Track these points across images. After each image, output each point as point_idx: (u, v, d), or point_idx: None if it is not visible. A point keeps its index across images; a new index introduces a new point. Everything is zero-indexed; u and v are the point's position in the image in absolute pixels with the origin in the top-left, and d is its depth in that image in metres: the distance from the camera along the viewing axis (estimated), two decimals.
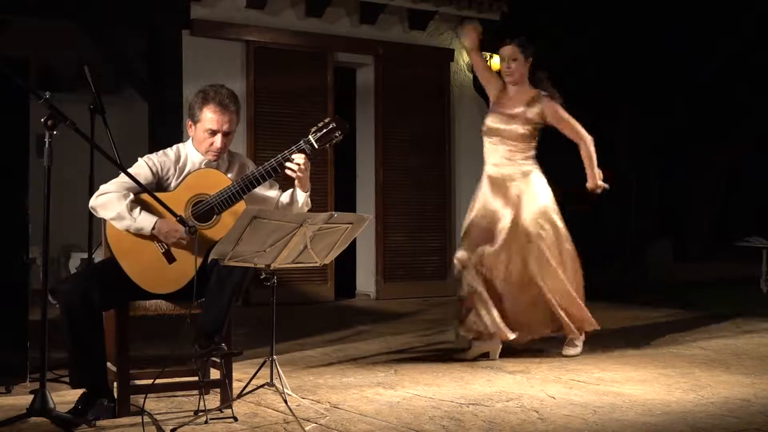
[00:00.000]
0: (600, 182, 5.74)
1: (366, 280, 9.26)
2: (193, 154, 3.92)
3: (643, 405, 3.95)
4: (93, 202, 3.79)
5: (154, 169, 3.85)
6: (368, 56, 9.20)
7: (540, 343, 5.60)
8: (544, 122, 5.58)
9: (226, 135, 3.89)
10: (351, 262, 9.22)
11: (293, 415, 3.54)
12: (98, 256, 4.43)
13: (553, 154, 6.01)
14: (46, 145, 3.45)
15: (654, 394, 4.19)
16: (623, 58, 13.55)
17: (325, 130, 3.87)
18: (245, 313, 6.94)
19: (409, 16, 9.39)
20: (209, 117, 3.86)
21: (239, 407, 3.80)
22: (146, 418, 3.49)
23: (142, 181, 3.67)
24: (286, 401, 3.56)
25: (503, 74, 5.61)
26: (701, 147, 14.40)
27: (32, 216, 4.16)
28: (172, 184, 3.87)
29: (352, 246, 8.40)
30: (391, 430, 3.53)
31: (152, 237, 3.70)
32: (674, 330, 6.52)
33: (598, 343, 5.87)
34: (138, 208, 3.71)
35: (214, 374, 3.97)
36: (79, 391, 3.70)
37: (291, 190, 3.99)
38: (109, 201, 3.71)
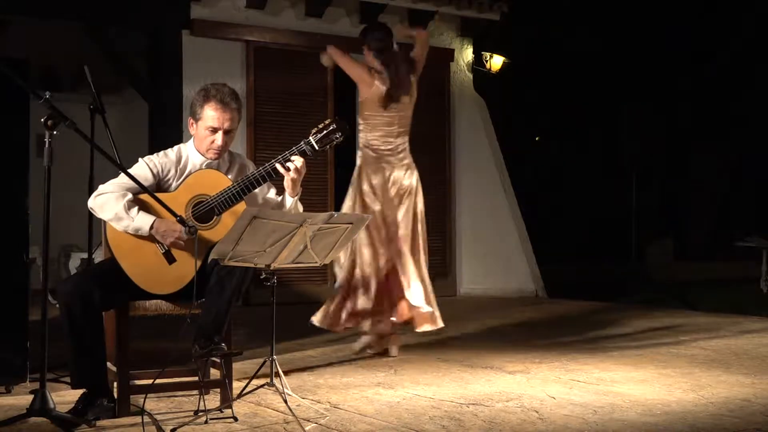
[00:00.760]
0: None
1: None
2: (194, 155, 3.92)
3: (643, 405, 3.95)
4: (91, 202, 3.79)
5: (154, 170, 3.84)
6: None
7: (540, 342, 5.61)
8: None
9: (227, 133, 3.89)
10: None
11: (293, 415, 3.54)
12: (98, 256, 4.43)
13: None
14: (46, 145, 3.45)
15: (654, 394, 4.19)
16: (625, 58, 13.56)
17: (325, 132, 3.86)
18: (245, 313, 6.94)
19: (409, 16, 9.39)
20: (210, 114, 3.86)
21: (239, 407, 3.80)
22: (146, 418, 3.49)
23: (141, 181, 3.67)
24: (286, 401, 3.56)
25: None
26: (702, 147, 14.41)
27: (32, 216, 4.16)
28: (173, 185, 3.87)
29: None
30: (391, 430, 3.53)
31: (151, 237, 3.70)
32: (674, 330, 6.53)
33: (599, 343, 5.88)
34: (135, 208, 3.71)
35: (214, 374, 3.97)
36: (79, 391, 3.70)
37: (282, 195, 3.99)
38: (107, 201, 3.71)
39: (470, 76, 9.91)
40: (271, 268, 3.58)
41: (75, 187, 5.26)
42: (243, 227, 3.32)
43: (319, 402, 4.01)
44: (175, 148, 3.97)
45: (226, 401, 3.76)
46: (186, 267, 3.69)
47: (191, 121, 3.93)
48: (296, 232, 3.44)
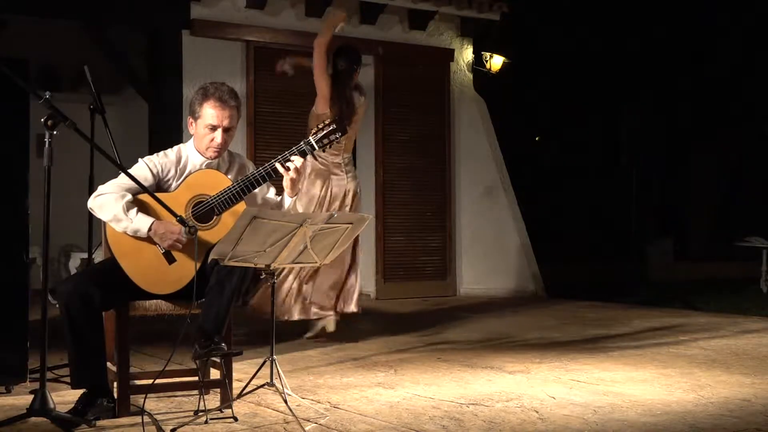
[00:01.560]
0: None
1: (366, 280, 9.24)
2: (194, 156, 3.93)
3: (643, 405, 3.95)
4: (91, 203, 3.79)
5: (154, 171, 3.84)
6: (368, 56, 9.19)
7: (540, 342, 5.62)
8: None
9: (226, 131, 3.89)
10: None
11: (293, 415, 3.54)
12: (98, 256, 4.43)
13: None
14: (46, 145, 3.45)
15: (654, 394, 4.19)
16: (625, 58, 13.56)
17: (325, 132, 3.87)
18: (245, 313, 6.94)
19: (409, 16, 9.38)
20: (209, 112, 3.86)
21: (239, 407, 3.80)
22: (146, 418, 3.49)
23: (141, 182, 3.67)
24: (286, 401, 3.56)
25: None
26: (702, 147, 14.41)
27: (32, 216, 4.16)
28: (173, 185, 3.87)
29: None
30: (391, 430, 3.53)
31: (150, 238, 3.70)
32: (674, 330, 6.53)
33: (599, 343, 5.88)
34: (134, 209, 3.70)
35: (214, 374, 3.97)
36: (79, 391, 3.70)
37: (280, 196, 3.99)
38: (106, 202, 3.71)
39: (470, 76, 9.91)
40: (271, 268, 3.58)
41: (75, 187, 5.26)
42: (243, 227, 3.32)
43: (319, 402, 4.01)
44: (175, 148, 3.97)
45: (226, 401, 3.76)
46: (186, 267, 3.69)
47: (190, 120, 3.93)
48: (296, 232, 3.44)
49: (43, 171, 3.47)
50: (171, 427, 3.46)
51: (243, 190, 3.77)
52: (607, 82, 13.52)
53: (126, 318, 3.75)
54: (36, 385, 3.59)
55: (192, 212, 3.76)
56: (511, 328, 6.74)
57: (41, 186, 3.49)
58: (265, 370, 3.70)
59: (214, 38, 8.31)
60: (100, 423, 3.55)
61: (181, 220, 3.51)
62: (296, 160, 3.81)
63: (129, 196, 3.73)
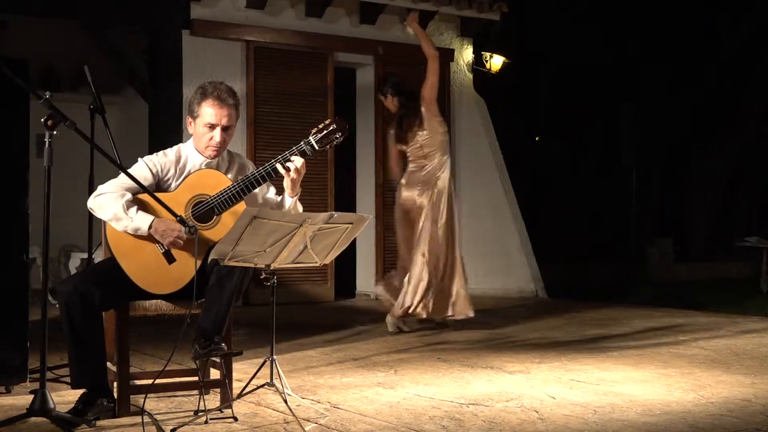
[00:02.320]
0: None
1: (366, 280, 9.26)
2: (193, 155, 3.92)
3: (643, 405, 3.95)
4: (91, 202, 3.79)
5: (153, 170, 3.84)
6: (368, 56, 9.20)
7: (540, 342, 5.62)
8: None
9: (225, 130, 3.89)
10: (351, 262, 9.22)
11: (293, 415, 3.54)
12: (98, 256, 4.43)
13: None
14: (46, 145, 3.45)
15: (654, 394, 4.19)
16: (625, 57, 13.56)
17: (325, 132, 3.86)
18: (245, 313, 6.94)
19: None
20: (208, 111, 3.86)
21: (239, 407, 3.80)
22: (146, 418, 3.49)
23: (141, 182, 3.67)
24: (286, 401, 3.56)
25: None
26: (702, 146, 14.41)
27: (32, 216, 4.16)
28: (173, 185, 3.87)
29: (352, 246, 8.41)
30: (391, 430, 3.53)
31: (151, 237, 3.70)
32: (674, 330, 6.53)
33: (599, 343, 5.88)
34: (134, 208, 3.70)
35: (214, 374, 3.97)
36: (79, 391, 3.70)
37: (281, 196, 3.99)
38: (106, 201, 3.71)
39: (470, 76, 9.91)
40: (271, 268, 3.58)
41: (75, 187, 5.26)
42: (243, 227, 3.32)
43: (319, 402, 4.01)
44: (175, 147, 3.97)
45: (226, 401, 3.76)
46: (186, 267, 3.68)
47: (189, 119, 3.93)
48: (296, 232, 3.44)
49: (43, 171, 3.47)
50: (171, 427, 3.46)
51: (243, 190, 3.77)
52: (608, 82, 13.52)
53: (126, 318, 3.75)
54: (36, 385, 3.59)
55: (192, 212, 3.75)
56: (511, 328, 6.74)
57: (41, 186, 3.49)
58: (265, 370, 3.70)
59: (214, 38, 8.32)
60: (100, 423, 3.56)
61: (181, 220, 3.51)
62: (296, 161, 3.81)
63: (129, 195, 3.73)
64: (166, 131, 7.99)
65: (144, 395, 3.64)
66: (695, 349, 5.63)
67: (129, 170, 3.71)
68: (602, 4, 12.97)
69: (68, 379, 3.88)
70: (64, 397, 3.89)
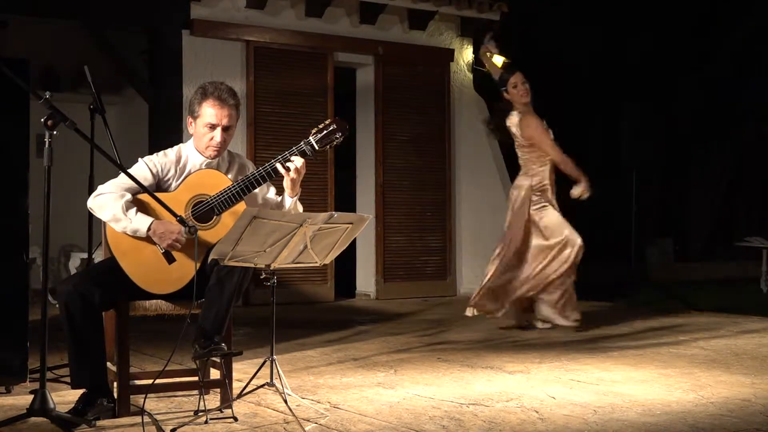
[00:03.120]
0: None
1: (366, 280, 9.26)
2: (193, 155, 3.92)
3: (643, 405, 3.95)
4: (90, 202, 3.79)
5: (153, 170, 3.84)
6: (368, 56, 9.21)
7: (540, 342, 5.62)
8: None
9: (225, 130, 3.89)
10: (351, 262, 9.22)
11: (293, 415, 3.54)
12: (98, 256, 4.43)
13: None
14: (46, 145, 3.45)
15: (654, 394, 4.19)
16: (625, 57, 13.55)
17: (325, 132, 3.86)
18: (245, 313, 6.94)
19: (409, 16, 9.39)
20: (208, 111, 3.86)
21: (239, 407, 3.80)
22: (146, 418, 3.49)
23: (141, 182, 3.67)
24: (286, 401, 3.56)
25: (525, 95, 6.92)
26: (702, 146, 14.39)
27: (32, 216, 4.16)
28: (173, 185, 3.87)
29: (352, 246, 8.41)
30: (391, 430, 3.53)
31: (150, 238, 3.70)
32: (674, 330, 6.53)
33: (599, 343, 5.88)
34: (134, 209, 3.70)
35: (214, 374, 3.97)
36: (79, 391, 3.70)
37: (281, 196, 3.99)
38: (106, 202, 3.71)
39: (470, 76, 9.91)
40: (271, 268, 3.58)
41: (75, 187, 5.27)
42: (243, 227, 3.32)
43: (319, 402, 4.01)
44: (175, 148, 3.97)
45: (226, 401, 3.76)
46: (186, 267, 3.68)
47: (190, 119, 3.93)
48: (296, 232, 3.44)
49: (43, 171, 3.47)
50: (171, 427, 3.46)
51: (243, 190, 3.77)
52: (608, 82, 13.51)
53: (126, 318, 3.75)
54: (36, 385, 3.59)
55: (192, 212, 3.75)
56: (511, 328, 6.73)
57: (41, 186, 3.49)
58: (265, 370, 3.70)
59: (214, 38, 8.32)
60: (100, 423, 3.56)
61: (181, 220, 3.51)
62: (296, 161, 3.81)
63: (128, 196, 3.73)
64: (166, 131, 8.00)
65: (144, 395, 3.64)
66: (695, 349, 5.63)
67: (129, 170, 3.71)
68: (603, 4, 12.96)
69: (68, 379, 3.88)
70: (64, 397, 3.89)
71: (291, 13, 8.78)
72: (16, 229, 4.17)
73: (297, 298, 8.30)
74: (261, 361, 3.76)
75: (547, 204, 6.60)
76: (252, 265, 3.56)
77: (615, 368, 4.89)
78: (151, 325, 4.17)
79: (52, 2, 7.71)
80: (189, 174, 3.87)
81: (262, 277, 3.63)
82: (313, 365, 5.04)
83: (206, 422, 3.57)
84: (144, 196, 3.73)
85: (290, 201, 3.92)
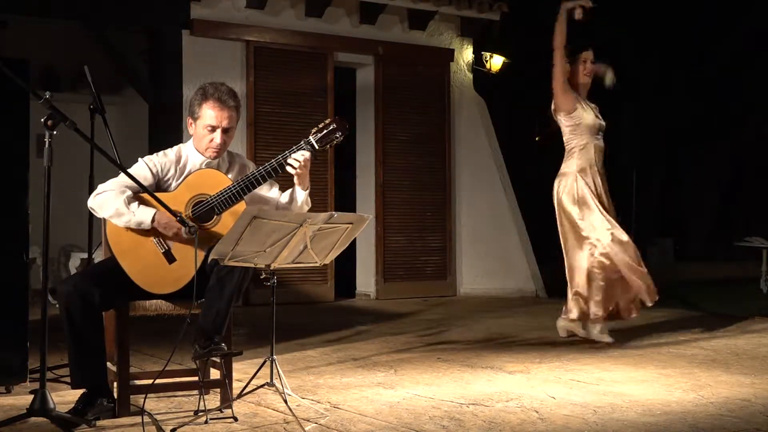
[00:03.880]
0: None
1: (366, 280, 9.26)
2: (193, 155, 3.92)
3: (643, 405, 3.95)
4: (91, 202, 3.79)
5: (153, 170, 3.84)
6: (368, 56, 9.21)
7: (540, 342, 5.62)
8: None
9: (225, 131, 3.89)
10: (351, 262, 9.22)
11: (293, 415, 3.54)
12: (98, 256, 4.43)
13: None
14: (46, 145, 3.45)
15: (654, 394, 4.19)
16: (624, 57, 13.54)
17: (325, 131, 3.86)
18: (245, 313, 6.94)
19: (409, 16, 9.39)
20: (209, 113, 3.86)
21: (239, 407, 3.80)
22: (146, 418, 3.49)
23: (141, 182, 3.67)
24: (286, 401, 3.56)
25: (586, 76, 6.57)
26: (702, 146, 14.40)
27: (32, 216, 4.16)
28: (173, 185, 3.87)
29: (352, 246, 8.41)
30: (391, 430, 3.53)
31: (153, 231, 3.70)
32: (674, 330, 6.52)
33: (598, 342, 5.87)
34: (136, 203, 3.71)
35: (214, 374, 3.97)
36: (79, 391, 3.70)
37: (290, 189, 3.98)
38: (107, 199, 3.71)
39: (470, 76, 9.91)
40: (271, 268, 3.58)
41: (75, 187, 5.27)
42: (243, 227, 3.32)
43: (319, 402, 4.01)
44: (175, 148, 3.97)
45: (226, 401, 3.76)
46: (186, 267, 3.68)
47: (190, 120, 3.93)
48: (296, 232, 3.44)
49: (43, 171, 3.47)
50: (171, 427, 3.46)
51: (243, 189, 3.77)
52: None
53: (126, 318, 3.75)
54: (36, 385, 3.59)
55: (192, 212, 3.76)
56: (511, 328, 6.74)
57: (41, 186, 3.49)
58: (265, 370, 3.70)
59: (214, 38, 8.32)
60: (100, 423, 3.55)
61: (181, 220, 3.51)
62: (299, 156, 3.80)
63: (129, 192, 3.73)
64: (166, 131, 8.00)
65: (144, 395, 3.64)
66: (695, 349, 5.63)
67: (129, 170, 3.71)
68: (602, 4, 12.98)
69: (68, 379, 3.88)
70: (64, 397, 3.89)
71: (291, 13, 8.78)
72: (16, 229, 4.17)
73: (297, 298, 8.30)
74: (261, 361, 3.76)
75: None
76: (252, 265, 3.56)
77: (615, 368, 4.89)
78: (151, 325, 4.16)
79: (52, 2, 7.71)
80: (189, 174, 3.87)
81: (262, 277, 3.63)
82: (313, 365, 5.04)
83: (206, 422, 3.57)
84: (144, 196, 3.73)
85: (303, 194, 3.93)
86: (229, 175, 3.91)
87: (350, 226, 3.61)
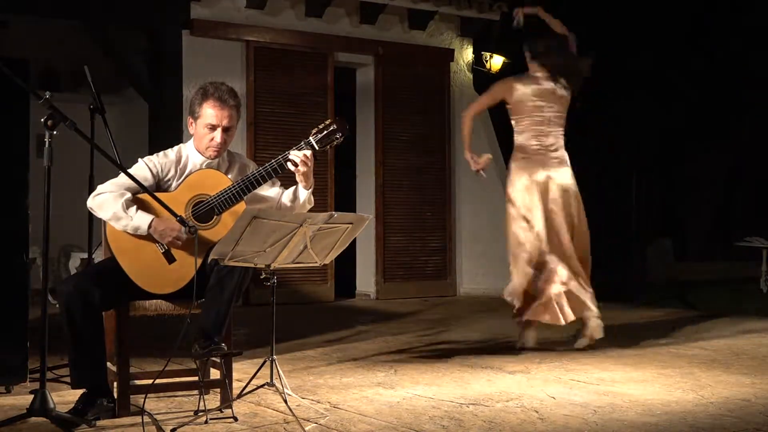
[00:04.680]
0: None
1: (366, 280, 9.26)
2: (194, 155, 3.93)
3: (643, 405, 3.95)
4: (90, 202, 3.79)
5: (153, 171, 3.84)
6: (368, 56, 9.21)
7: (541, 342, 5.62)
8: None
9: (226, 130, 3.89)
10: (351, 262, 9.23)
11: (293, 415, 3.54)
12: (98, 256, 4.44)
13: None
14: (46, 145, 3.45)
15: (654, 394, 4.19)
16: (624, 56, 13.55)
17: (326, 132, 3.86)
18: (245, 313, 6.94)
19: (409, 16, 9.39)
20: (209, 112, 3.86)
21: (239, 407, 3.80)
22: (146, 418, 3.49)
23: (141, 182, 3.67)
24: (286, 401, 3.56)
25: None
26: (702, 146, 14.40)
27: (32, 216, 4.16)
28: (173, 185, 3.87)
29: (352, 246, 8.41)
30: (391, 430, 3.53)
31: (150, 236, 3.70)
32: (674, 330, 6.53)
33: (598, 343, 5.87)
34: (134, 207, 3.71)
35: (214, 374, 3.97)
36: (79, 391, 3.70)
37: (293, 188, 3.98)
38: (105, 201, 3.71)
39: (470, 76, 9.91)
40: (271, 268, 3.58)
41: (75, 187, 5.27)
42: (243, 227, 3.32)
43: (319, 402, 4.01)
44: (175, 148, 3.97)
45: (226, 401, 3.76)
46: (186, 267, 3.68)
47: (190, 120, 3.94)
48: (296, 232, 3.44)
49: (43, 171, 3.47)
50: (171, 427, 3.46)
51: (243, 189, 3.77)
52: (607, 82, 13.51)
53: (126, 318, 3.75)
54: (36, 385, 3.59)
55: (192, 212, 3.76)
56: (511, 328, 6.72)
57: (41, 186, 3.49)
58: (265, 370, 3.69)
59: (214, 38, 8.33)
60: (100, 423, 3.55)
61: (181, 220, 3.51)
62: (300, 154, 3.80)
63: (128, 195, 3.73)
64: (166, 131, 8.00)
65: (144, 395, 3.64)
66: (695, 349, 5.63)
67: (129, 170, 3.71)
68: (600, 4, 12.97)
69: (68, 379, 3.88)
70: (64, 397, 3.89)
71: (291, 13, 8.78)
72: (16, 229, 4.17)
73: (297, 298, 8.31)
74: (261, 361, 3.76)
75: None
76: (252, 265, 3.56)
77: (615, 368, 4.89)
78: (151, 325, 4.16)
79: (52, 2, 7.71)
80: (189, 174, 3.87)
81: (262, 277, 3.63)
82: (313, 365, 5.04)
83: (206, 422, 3.57)
84: (144, 196, 3.73)
85: (305, 193, 3.93)
86: (230, 175, 3.92)
87: (350, 226, 3.61)
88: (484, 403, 3.99)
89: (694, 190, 14.69)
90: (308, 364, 5.08)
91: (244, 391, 3.80)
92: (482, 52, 10.26)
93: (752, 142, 14.45)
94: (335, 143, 3.90)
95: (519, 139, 5.91)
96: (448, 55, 9.70)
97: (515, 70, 7.03)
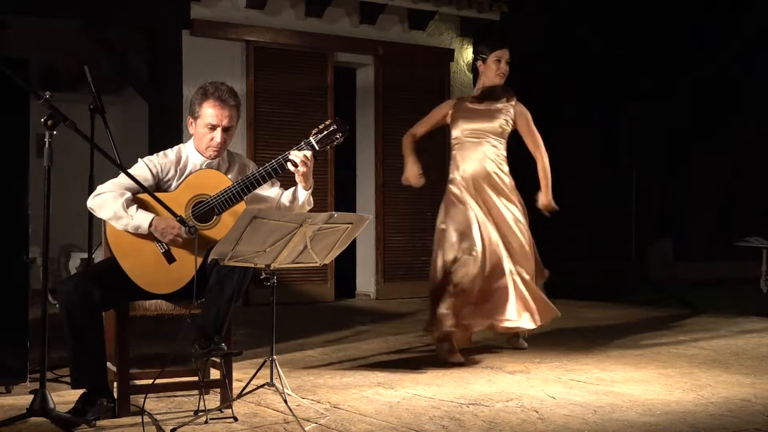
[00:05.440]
0: (552, 202, 5.92)
1: (366, 280, 9.26)
2: (194, 155, 3.93)
3: (643, 405, 3.95)
4: (90, 202, 3.79)
5: (153, 171, 3.85)
6: (368, 56, 9.21)
7: (540, 342, 5.61)
8: (513, 127, 5.88)
9: (226, 130, 3.89)
10: (351, 262, 9.22)
11: (293, 415, 3.54)
12: (98, 256, 4.43)
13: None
14: (46, 145, 3.45)
15: (654, 394, 4.19)
16: (624, 56, 13.56)
17: (326, 132, 3.87)
18: (245, 313, 6.94)
19: (409, 16, 9.39)
20: (209, 112, 3.86)
21: (239, 407, 3.80)
22: (146, 418, 3.49)
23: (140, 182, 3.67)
24: (286, 401, 3.56)
25: (498, 75, 5.84)
26: (702, 146, 14.40)
27: (32, 216, 4.16)
28: (173, 185, 3.87)
29: (352, 246, 8.41)
30: (391, 430, 3.53)
31: (151, 235, 3.70)
32: (674, 330, 6.53)
33: (599, 343, 5.88)
34: (134, 206, 3.71)
35: (214, 374, 3.97)
36: (79, 391, 3.70)
37: (292, 188, 3.98)
38: (106, 201, 3.72)
39: (470, 76, 9.90)
40: (271, 268, 3.58)
41: (75, 187, 5.26)
42: (243, 227, 3.33)
43: (319, 402, 4.01)
44: (175, 148, 3.97)
45: (226, 401, 3.76)
46: (186, 267, 3.69)
47: (190, 120, 3.94)
48: (296, 233, 3.45)
49: (43, 171, 3.47)
50: (171, 427, 3.46)
51: (243, 189, 3.78)
52: (607, 82, 13.52)
53: (126, 318, 3.76)
54: (36, 385, 3.59)
55: (192, 212, 3.76)
56: None
57: (41, 186, 3.49)
58: (265, 370, 3.70)
59: (214, 38, 8.32)
60: (100, 423, 3.56)
61: (181, 220, 3.52)
62: (300, 154, 3.80)
63: (128, 194, 3.74)
64: (166, 131, 8.00)
65: (144, 395, 3.64)
66: (695, 349, 5.63)
67: (129, 170, 3.72)
68: (602, 4, 12.98)
69: (68, 379, 3.88)
70: (64, 397, 3.90)
71: (291, 13, 8.78)
72: (16, 229, 4.17)
73: (297, 298, 8.30)
74: (261, 361, 3.76)
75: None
76: (252, 265, 3.57)
77: (615, 368, 4.89)
78: (151, 325, 4.17)
79: (52, 2, 7.71)
80: (189, 174, 3.87)
81: (262, 277, 3.63)
82: (313, 365, 5.04)
83: (206, 422, 3.57)
84: (144, 196, 3.73)
85: (305, 194, 3.93)
86: (229, 175, 3.92)
87: (350, 226, 3.61)
88: (484, 403, 3.99)
89: (694, 190, 14.69)
90: (308, 364, 5.09)
91: (244, 391, 3.80)
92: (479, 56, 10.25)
93: (752, 143, 14.46)
94: (335, 143, 3.90)
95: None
96: (448, 55, 9.69)
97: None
